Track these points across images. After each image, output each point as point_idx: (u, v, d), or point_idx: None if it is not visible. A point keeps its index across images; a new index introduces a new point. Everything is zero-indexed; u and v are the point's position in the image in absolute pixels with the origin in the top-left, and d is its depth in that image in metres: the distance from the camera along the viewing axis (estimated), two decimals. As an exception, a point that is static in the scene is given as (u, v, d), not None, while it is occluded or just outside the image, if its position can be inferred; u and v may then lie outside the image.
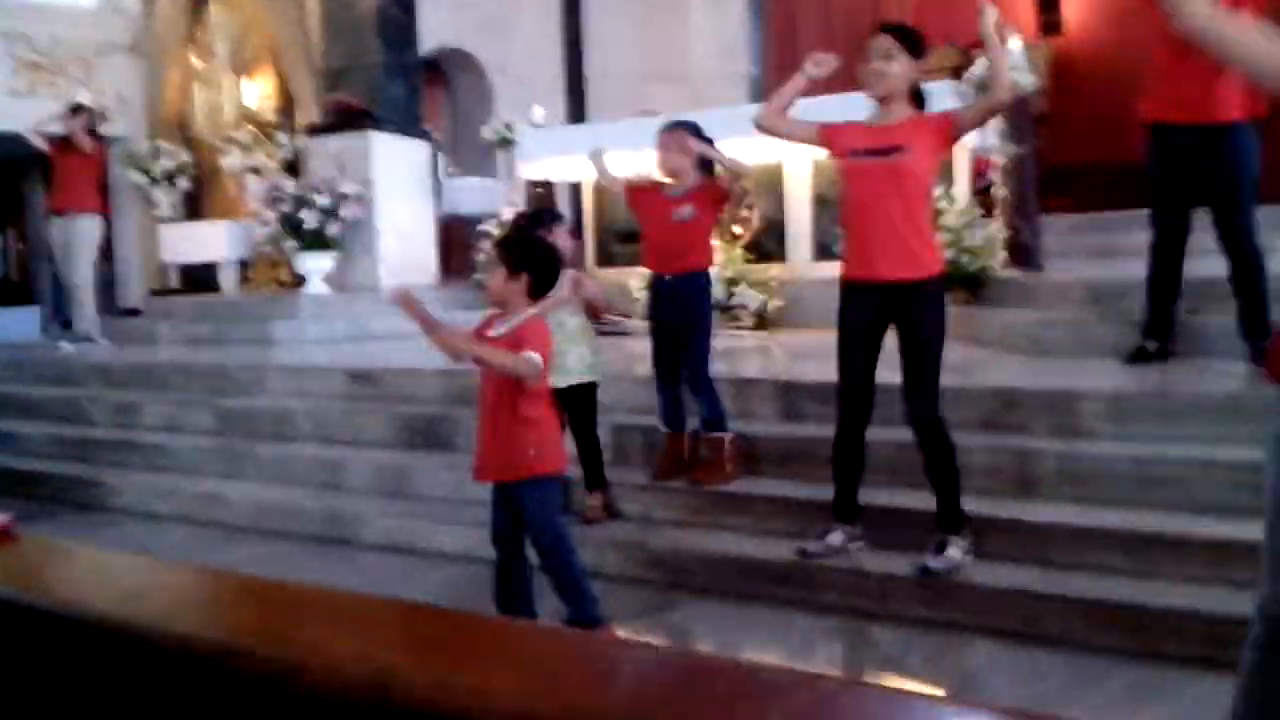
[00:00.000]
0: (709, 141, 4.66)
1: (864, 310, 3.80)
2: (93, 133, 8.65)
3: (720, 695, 0.82)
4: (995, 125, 6.43)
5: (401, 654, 0.97)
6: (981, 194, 6.93)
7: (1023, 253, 6.30)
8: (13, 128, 11.88)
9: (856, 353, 3.85)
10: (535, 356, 3.33)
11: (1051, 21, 10.92)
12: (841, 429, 3.93)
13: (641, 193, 4.80)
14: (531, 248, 3.65)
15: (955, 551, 3.76)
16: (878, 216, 3.71)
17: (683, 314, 4.61)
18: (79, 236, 8.49)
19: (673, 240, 4.62)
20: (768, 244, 7.59)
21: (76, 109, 8.75)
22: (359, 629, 1.02)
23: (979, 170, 7.34)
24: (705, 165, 4.64)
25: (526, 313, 3.48)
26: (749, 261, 7.40)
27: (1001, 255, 6.31)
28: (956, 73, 7.01)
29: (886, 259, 3.71)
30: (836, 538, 3.99)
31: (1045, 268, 6.38)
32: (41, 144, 8.62)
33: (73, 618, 1.07)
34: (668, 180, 4.70)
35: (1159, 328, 4.82)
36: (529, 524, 3.58)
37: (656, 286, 4.72)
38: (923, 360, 3.74)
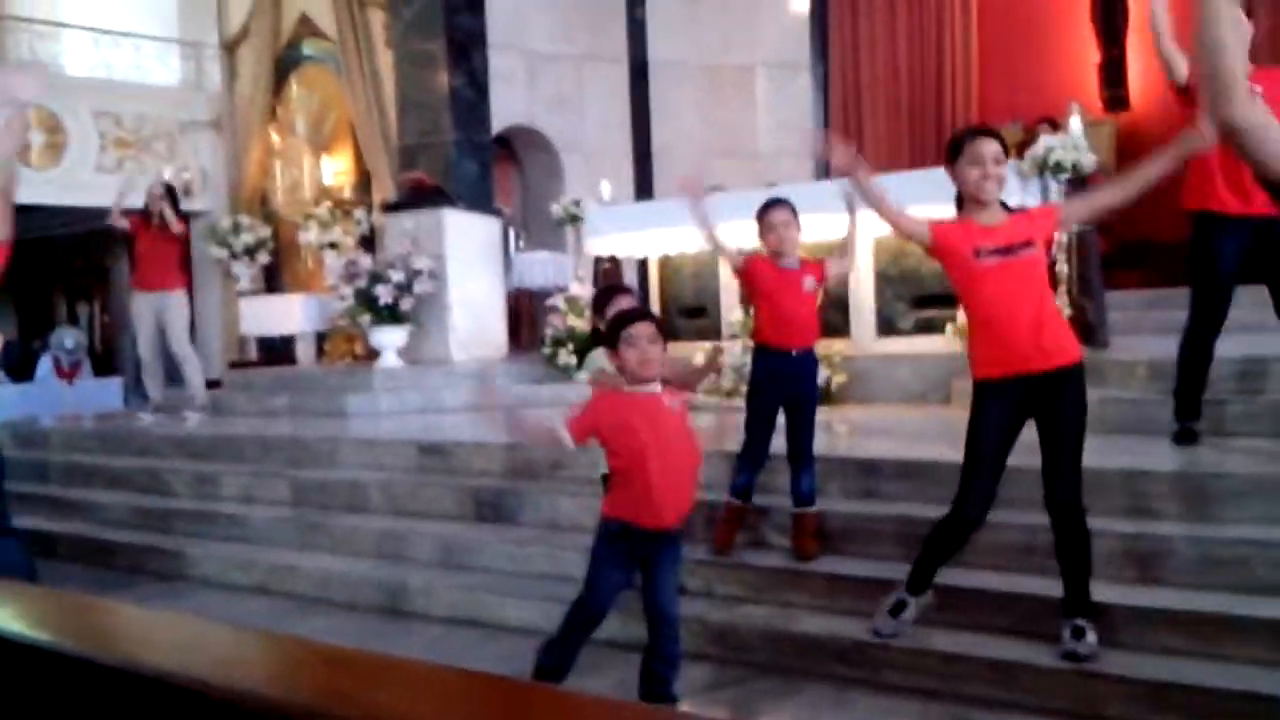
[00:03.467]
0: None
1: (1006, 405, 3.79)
2: (176, 210, 8.81)
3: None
4: (1055, 202, 6.48)
5: (465, 718, 1.05)
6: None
7: (1087, 330, 6.30)
8: (100, 203, 12.45)
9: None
10: None
11: (1116, 97, 10.95)
12: (958, 523, 3.86)
13: (761, 264, 4.75)
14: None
15: (1093, 636, 3.68)
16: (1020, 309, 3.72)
17: (806, 389, 4.67)
18: (174, 312, 8.75)
19: (803, 313, 4.64)
20: (832, 319, 7.65)
21: (167, 188, 8.96)
22: (428, 695, 1.10)
23: (1042, 246, 7.36)
24: None
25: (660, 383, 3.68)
26: (813, 336, 7.46)
27: (1066, 332, 6.31)
28: (1020, 150, 7.08)
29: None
30: (911, 613, 3.98)
31: (1110, 345, 6.37)
32: (123, 223, 8.77)
33: (161, 682, 1.14)
34: (775, 253, 4.74)
35: (1196, 409, 4.86)
36: (667, 577, 3.64)
37: (779, 362, 4.67)
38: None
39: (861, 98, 12.65)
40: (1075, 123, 6.48)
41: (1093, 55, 11.17)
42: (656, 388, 3.63)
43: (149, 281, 8.78)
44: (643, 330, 3.65)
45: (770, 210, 4.70)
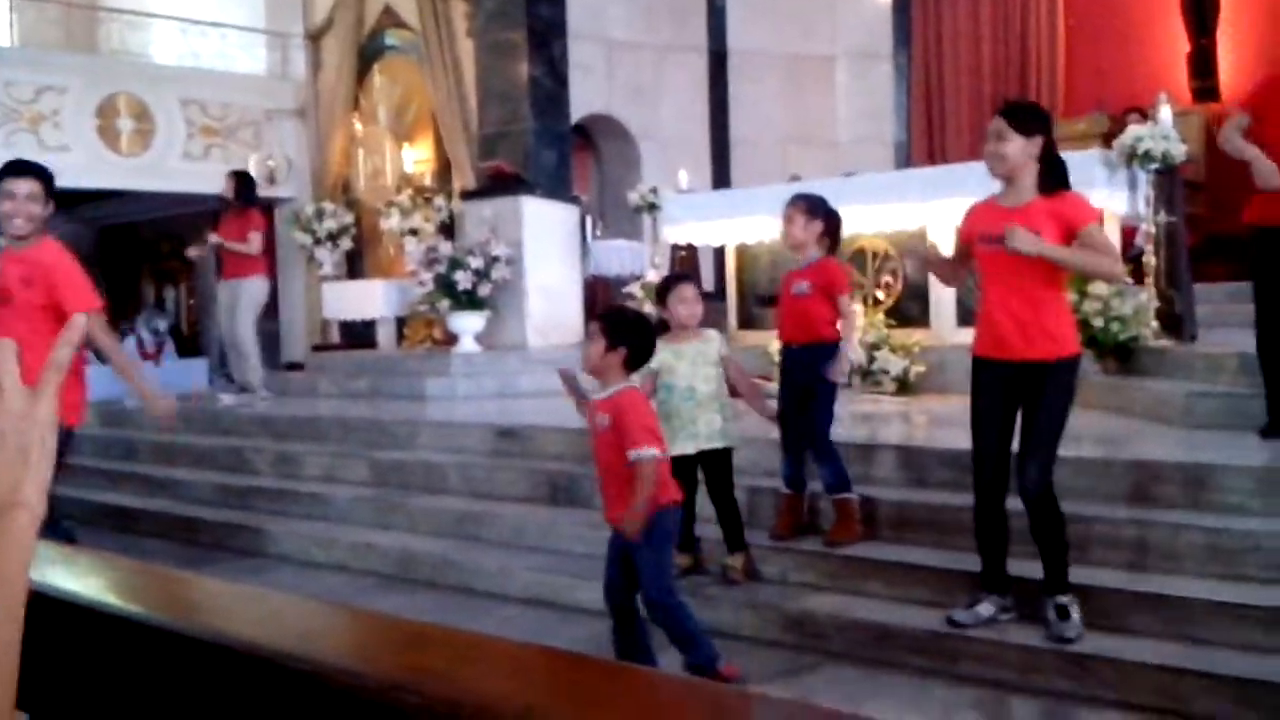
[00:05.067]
0: (834, 215, 4.78)
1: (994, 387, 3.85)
2: (247, 197, 8.85)
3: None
4: (1145, 193, 6.36)
5: (546, 695, 1.06)
6: (1132, 262, 6.81)
7: (1174, 322, 6.17)
8: (186, 189, 12.71)
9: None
10: (649, 453, 3.55)
11: (1206, 88, 10.65)
12: (979, 501, 3.94)
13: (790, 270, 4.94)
14: (628, 322, 3.80)
15: (1077, 614, 3.74)
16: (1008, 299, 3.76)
17: (807, 382, 4.70)
18: (245, 297, 8.79)
19: (793, 312, 4.78)
20: (910, 309, 7.58)
21: (234, 174, 9.06)
22: (508, 671, 1.11)
23: (1128, 238, 7.23)
24: (830, 239, 4.76)
25: (623, 382, 3.69)
26: (891, 326, 7.40)
27: (1153, 325, 6.19)
28: (1107, 140, 6.94)
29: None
30: (986, 609, 3.97)
31: (1198, 337, 6.23)
32: (213, 241, 8.82)
33: (246, 654, 1.15)
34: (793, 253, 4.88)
35: None
36: (641, 566, 3.69)
37: (785, 355, 4.90)
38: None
39: (944, 87, 12.47)
40: (1165, 112, 6.33)
41: (1182, 45, 10.88)
42: (608, 390, 3.65)
43: (226, 269, 8.88)
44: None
45: (784, 207, 4.84)
